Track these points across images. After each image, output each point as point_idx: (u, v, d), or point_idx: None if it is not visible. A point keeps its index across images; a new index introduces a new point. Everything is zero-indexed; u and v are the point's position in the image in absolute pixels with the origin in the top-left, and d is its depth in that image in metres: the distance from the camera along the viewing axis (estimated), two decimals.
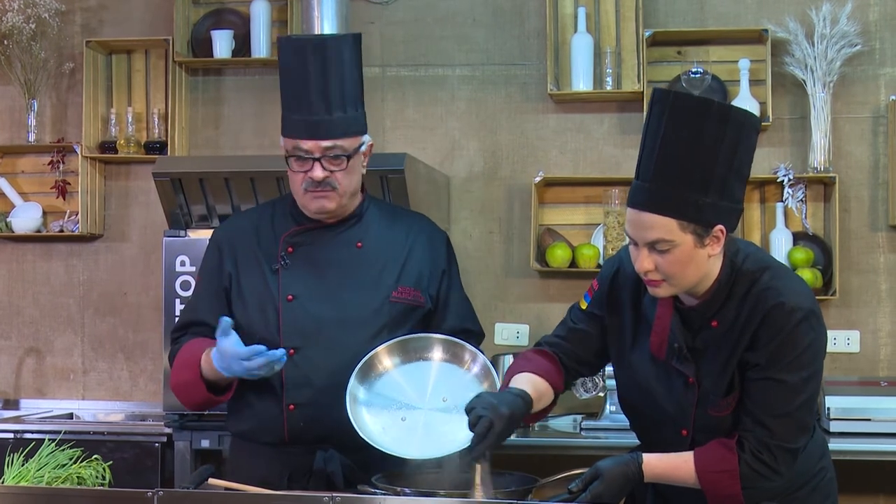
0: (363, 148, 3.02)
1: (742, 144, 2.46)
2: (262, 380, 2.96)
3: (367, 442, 2.78)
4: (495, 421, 2.50)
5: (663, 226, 2.44)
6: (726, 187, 2.45)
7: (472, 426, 2.51)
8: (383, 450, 2.77)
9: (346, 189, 2.99)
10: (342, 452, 2.96)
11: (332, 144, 2.93)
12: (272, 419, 2.99)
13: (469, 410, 2.54)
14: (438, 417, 2.85)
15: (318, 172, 2.93)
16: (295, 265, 3.01)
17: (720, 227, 2.47)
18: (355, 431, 2.79)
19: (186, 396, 3.05)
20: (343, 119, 2.96)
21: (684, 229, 2.44)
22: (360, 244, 3.05)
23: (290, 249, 3.03)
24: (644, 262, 2.49)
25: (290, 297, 2.99)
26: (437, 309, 3.11)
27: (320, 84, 2.94)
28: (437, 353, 2.95)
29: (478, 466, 2.52)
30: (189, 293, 4.41)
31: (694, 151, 2.42)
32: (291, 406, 2.96)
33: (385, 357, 2.93)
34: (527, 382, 2.68)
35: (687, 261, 2.47)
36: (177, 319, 3.22)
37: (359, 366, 2.89)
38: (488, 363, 2.94)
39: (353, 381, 2.87)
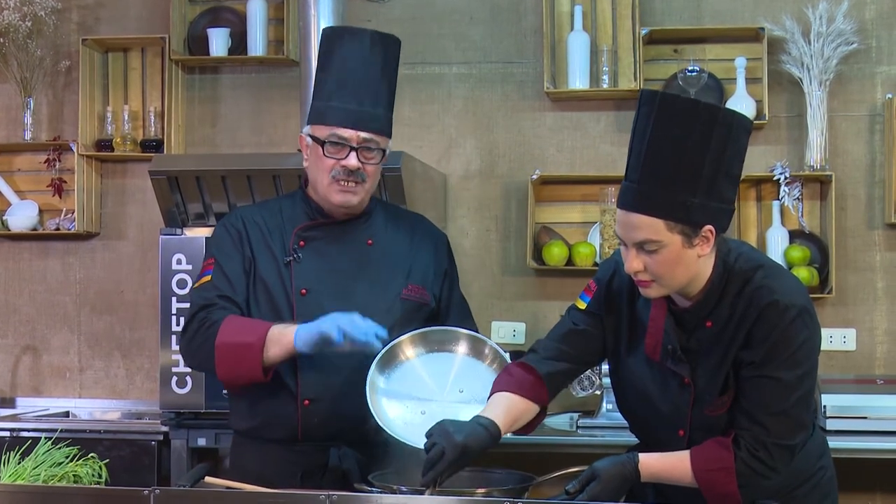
0: (387, 153, 3.06)
1: (731, 145, 2.46)
2: (275, 376, 2.96)
3: (385, 431, 2.78)
4: (447, 450, 2.50)
5: (650, 226, 2.45)
6: (715, 188, 2.45)
7: (426, 452, 2.52)
8: (402, 440, 2.78)
9: (370, 187, 3.04)
10: (355, 449, 2.97)
11: (370, 137, 2.97)
12: (285, 415, 2.99)
13: (428, 436, 2.55)
14: (456, 409, 2.86)
15: (353, 161, 2.96)
16: (307, 259, 3.02)
17: (709, 227, 2.47)
18: (374, 420, 2.79)
19: (230, 362, 2.90)
20: (384, 116, 3.02)
21: (671, 230, 2.45)
22: (370, 242, 3.07)
23: (301, 243, 3.04)
24: (633, 262, 2.49)
25: (303, 291, 3.00)
26: (440, 309, 3.14)
27: (374, 78, 2.99)
28: (460, 347, 2.97)
29: (427, 492, 2.51)
30: (185, 291, 4.40)
31: (681, 152, 2.42)
32: (307, 401, 2.96)
33: (408, 347, 2.94)
34: (502, 406, 2.67)
35: (675, 261, 2.47)
36: (198, 297, 3.04)
37: (380, 355, 2.89)
38: (508, 359, 2.95)
39: (373, 369, 2.87)
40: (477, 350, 2.97)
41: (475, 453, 2.55)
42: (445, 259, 3.18)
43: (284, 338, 2.88)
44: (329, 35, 3.07)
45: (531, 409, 2.74)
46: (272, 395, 2.99)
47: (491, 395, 2.74)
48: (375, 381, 2.87)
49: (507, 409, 2.68)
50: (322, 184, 3.00)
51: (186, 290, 4.40)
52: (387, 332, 2.87)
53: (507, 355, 2.96)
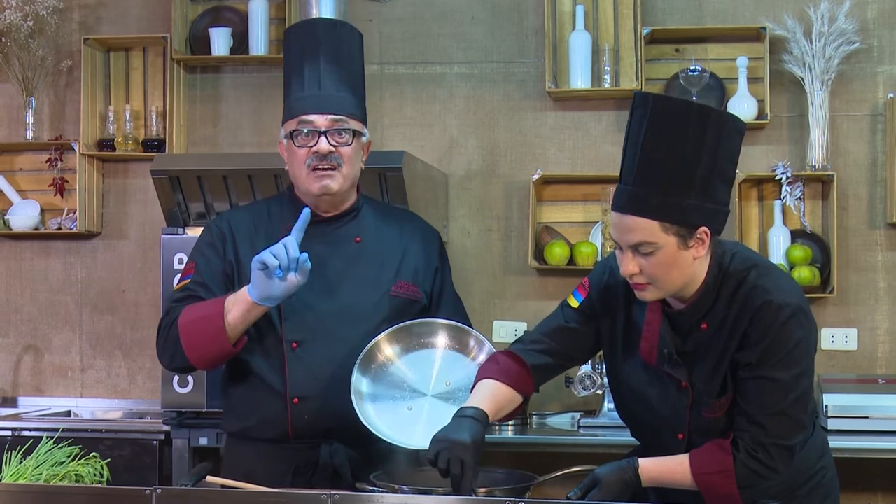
0: (364, 139, 3.05)
1: (724, 146, 2.46)
2: (264, 375, 2.98)
3: (376, 435, 2.78)
4: (465, 457, 2.49)
5: (645, 228, 2.45)
6: (709, 189, 2.45)
7: (445, 473, 2.49)
8: (393, 443, 2.78)
9: (349, 172, 3.00)
10: (346, 445, 2.98)
11: (338, 118, 2.97)
12: (275, 414, 2.98)
13: (435, 457, 2.51)
14: (443, 404, 2.86)
15: (324, 145, 2.95)
16: None
17: (704, 228, 2.47)
18: (363, 426, 2.79)
19: (195, 336, 2.91)
20: (350, 99, 3.01)
21: (667, 231, 2.45)
22: (358, 239, 3.07)
23: None
24: (628, 265, 2.49)
25: None
26: (431, 305, 3.13)
27: (332, 62, 3.00)
28: (441, 340, 2.97)
29: (473, 496, 2.52)
30: None
31: (674, 154, 2.43)
32: (296, 400, 2.96)
33: (386, 346, 2.94)
34: (487, 394, 2.67)
35: (671, 263, 2.47)
36: (171, 301, 3.07)
37: (360, 357, 2.90)
38: (492, 347, 2.95)
39: (355, 373, 2.88)
40: (459, 340, 2.97)
41: (482, 443, 2.56)
42: (436, 255, 3.17)
43: (239, 296, 2.89)
44: (288, 33, 3.10)
45: (515, 398, 2.74)
46: (261, 395, 3.00)
47: (477, 381, 2.73)
48: (359, 385, 2.87)
49: (494, 397, 2.68)
50: (300, 176, 2.99)
51: None
52: (307, 259, 2.84)
53: (490, 343, 2.96)
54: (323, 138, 2.95)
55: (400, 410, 2.86)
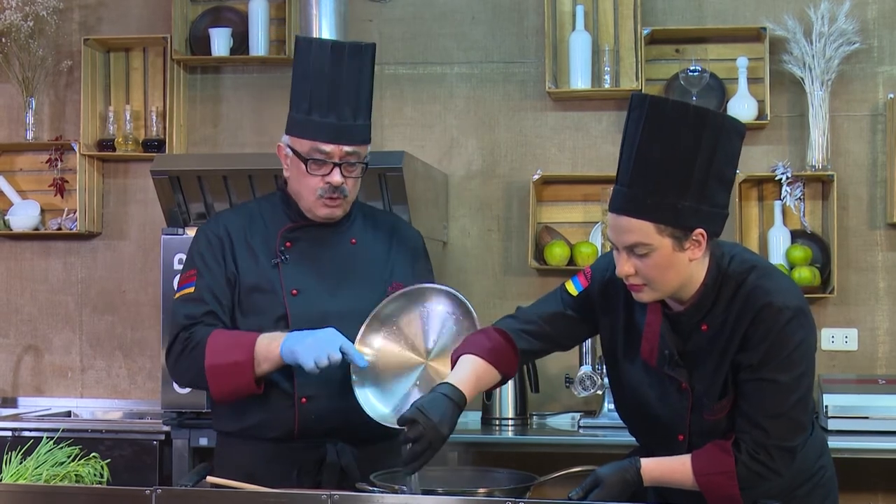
0: (367, 164, 3.07)
1: (721, 148, 2.45)
2: (269, 375, 2.98)
3: (384, 426, 2.80)
4: (434, 442, 2.52)
5: (640, 229, 2.44)
6: (705, 191, 2.45)
7: (411, 441, 2.53)
8: (391, 426, 2.80)
9: (352, 198, 3.05)
10: (352, 445, 2.98)
11: (353, 150, 2.98)
12: (281, 414, 2.98)
13: (408, 423, 2.54)
14: (444, 363, 2.88)
15: (338, 178, 2.97)
16: (294, 260, 3.03)
17: (700, 230, 2.47)
18: (368, 417, 2.82)
19: (223, 381, 2.94)
20: (364, 127, 3.02)
21: (662, 233, 2.44)
22: (354, 241, 3.09)
23: (287, 245, 3.05)
24: (624, 266, 2.49)
25: (294, 291, 3.01)
26: None
27: (352, 89, 2.99)
28: (413, 306, 2.98)
29: (414, 476, 2.56)
30: None
31: (670, 155, 2.42)
32: (304, 399, 2.97)
33: (372, 339, 2.96)
34: (471, 375, 2.67)
35: (666, 265, 2.47)
36: (182, 314, 3.04)
37: (354, 353, 2.92)
38: (460, 296, 2.95)
39: (354, 373, 2.91)
40: (424, 296, 2.98)
41: (452, 426, 2.58)
42: (422, 258, 3.22)
43: (272, 353, 2.91)
44: (304, 45, 3.07)
45: (495, 378, 2.74)
46: (266, 395, 2.99)
47: (464, 352, 2.72)
48: (362, 384, 2.90)
49: (477, 378, 2.68)
50: (307, 199, 3.01)
51: None
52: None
53: (454, 291, 2.97)
54: (336, 170, 2.97)
55: (409, 390, 2.88)
